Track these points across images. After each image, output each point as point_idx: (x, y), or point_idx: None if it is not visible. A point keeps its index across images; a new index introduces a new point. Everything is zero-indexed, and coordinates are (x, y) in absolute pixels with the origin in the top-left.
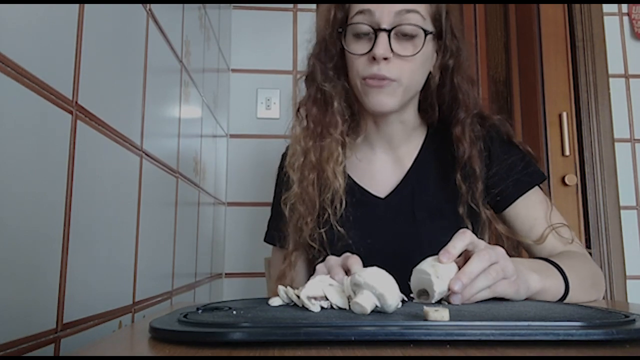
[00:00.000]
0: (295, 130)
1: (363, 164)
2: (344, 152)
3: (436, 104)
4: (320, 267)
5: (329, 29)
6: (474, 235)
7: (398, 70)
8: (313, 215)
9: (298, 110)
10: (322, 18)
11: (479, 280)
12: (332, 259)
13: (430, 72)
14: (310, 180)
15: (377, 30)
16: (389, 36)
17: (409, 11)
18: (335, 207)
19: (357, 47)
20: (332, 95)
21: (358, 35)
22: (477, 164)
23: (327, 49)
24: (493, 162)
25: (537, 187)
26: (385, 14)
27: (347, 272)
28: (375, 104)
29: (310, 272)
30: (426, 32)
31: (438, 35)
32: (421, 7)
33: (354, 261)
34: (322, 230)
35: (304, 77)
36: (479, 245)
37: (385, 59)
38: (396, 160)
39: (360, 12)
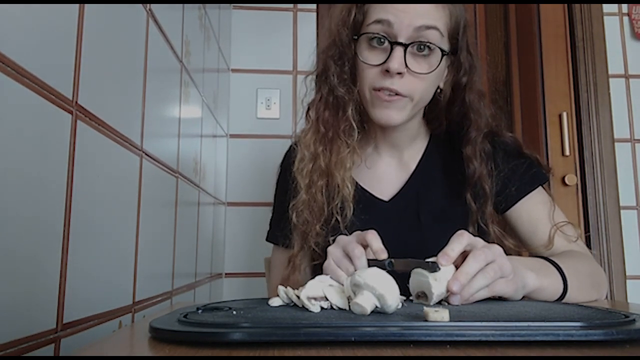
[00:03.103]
0: (305, 134)
1: (367, 167)
2: (353, 159)
3: (444, 118)
4: (332, 249)
5: (345, 31)
6: (471, 236)
7: (411, 87)
8: (320, 222)
9: (308, 111)
10: (339, 16)
11: (477, 279)
12: (344, 238)
13: (439, 87)
14: (319, 187)
15: (393, 44)
16: (405, 51)
17: (428, 27)
18: (345, 215)
19: (370, 57)
20: (346, 100)
21: (373, 45)
22: (487, 182)
23: (343, 52)
24: (496, 172)
25: (540, 188)
26: (404, 28)
27: (366, 247)
28: (382, 118)
29: (314, 276)
30: (443, 52)
31: (453, 51)
32: (441, 23)
33: (373, 236)
34: (330, 237)
35: (313, 75)
36: (477, 245)
37: (399, 73)
38: (400, 163)
39: (378, 21)
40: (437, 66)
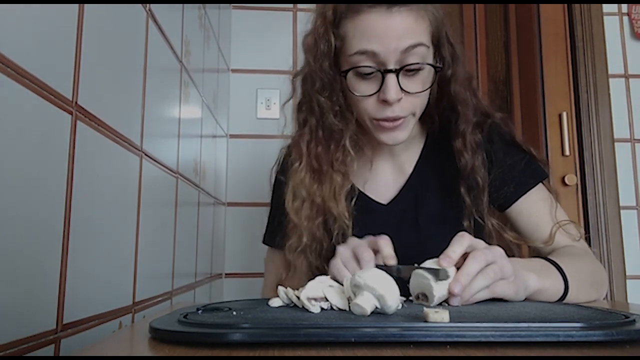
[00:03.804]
0: (298, 171)
1: (365, 171)
2: (347, 187)
3: (435, 114)
4: (342, 249)
5: (327, 61)
6: (472, 238)
7: (410, 106)
8: (322, 256)
9: (295, 144)
10: (315, 48)
11: (477, 280)
12: (355, 240)
13: None
14: (317, 226)
15: (384, 72)
16: (397, 76)
17: (415, 46)
18: (345, 241)
19: (362, 88)
20: (344, 131)
21: (362, 75)
22: (481, 174)
23: (329, 84)
24: (494, 165)
25: (540, 185)
26: (390, 54)
27: (376, 252)
28: (389, 140)
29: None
30: (436, 69)
31: (436, 50)
32: (425, 36)
33: (385, 242)
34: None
35: (290, 102)
36: (478, 246)
37: (398, 99)
38: (397, 166)
39: (362, 52)
40: (433, 82)
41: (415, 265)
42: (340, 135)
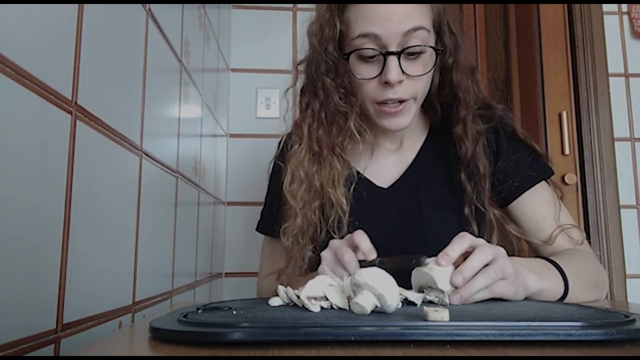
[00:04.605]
0: (298, 153)
1: (367, 156)
2: (345, 173)
3: (437, 103)
4: (326, 254)
5: (332, 45)
6: (473, 237)
7: (412, 89)
8: (316, 241)
9: (296, 127)
10: (320, 31)
11: (478, 280)
12: (335, 242)
13: None
14: (314, 210)
15: (385, 55)
16: (398, 59)
17: (416, 29)
18: (340, 228)
19: (364, 71)
20: (348, 113)
21: (364, 59)
22: (482, 161)
23: (335, 67)
24: (500, 156)
25: (544, 184)
26: (392, 37)
27: (356, 249)
28: (392, 126)
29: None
30: (437, 51)
31: (439, 38)
32: (427, 20)
33: (361, 237)
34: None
35: (292, 89)
36: (480, 245)
37: (399, 81)
38: (400, 152)
39: (364, 35)
40: (434, 65)
41: (398, 256)
42: (345, 118)
